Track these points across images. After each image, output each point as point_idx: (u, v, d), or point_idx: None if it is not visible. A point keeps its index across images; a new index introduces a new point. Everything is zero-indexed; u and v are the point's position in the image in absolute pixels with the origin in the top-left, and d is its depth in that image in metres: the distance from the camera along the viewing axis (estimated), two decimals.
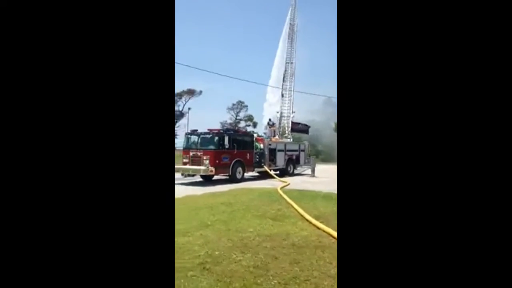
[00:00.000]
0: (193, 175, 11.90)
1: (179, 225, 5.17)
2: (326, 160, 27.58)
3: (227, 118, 43.33)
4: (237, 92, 75.42)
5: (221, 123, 43.04)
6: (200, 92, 42.10)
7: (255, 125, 40.94)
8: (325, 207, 6.63)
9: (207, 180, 11.99)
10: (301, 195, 8.41)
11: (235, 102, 43.27)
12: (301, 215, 5.75)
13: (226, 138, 11.51)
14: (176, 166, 12.26)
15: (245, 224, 5.17)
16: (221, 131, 12.30)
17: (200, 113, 53.22)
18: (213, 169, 11.07)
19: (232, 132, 12.42)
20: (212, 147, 11.39)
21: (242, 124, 42.84)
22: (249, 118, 43.09)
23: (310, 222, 5.22)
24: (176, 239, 4.29)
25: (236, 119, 42.99)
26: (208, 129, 12.19)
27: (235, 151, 11.84)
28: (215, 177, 12.14)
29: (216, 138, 11.46)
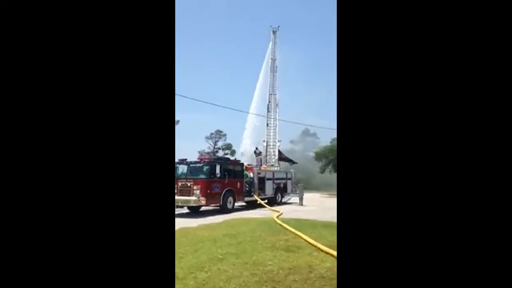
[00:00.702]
0: (182, 207, 11.40)
1: (189, 259, 4.83)
2: (305, 188, 27.82)
3: (205, 147, 42.89)
4: (215, 121, 75.49)
5: (199, 152, 42.48)
6: (178, 121, 41.61)
7: (233, 153, 40.79)
8: (331, 235, 6.49)
9: (194, 211, 11.53)
10: (300, 224, 8.23)
11: (213, 131, 43.13)
12: (314, 246, 5.58)
13: (218, 167, 11.25)
14: None
15: (259, 257, 4.91)
16: (212, 159, 12.05)
17: (176, 143, 52.20)
18: (204, 199, 10.69)
19: (223, 160, 12.18)
20: (203, 176, 11.08)
21: (220, 153, 42.48)
22: (228, 147, 42.88)
23: (327, 253, 5.06)
24: (195, 274, 3.99)
25: (214, 148, 42.61)
26: (198, 158, 11.90)
27: (226, 180, 11.57)
28: (202, 208, 11.69)
29: (207, 167, 11.20)
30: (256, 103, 21.62)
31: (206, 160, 11.66)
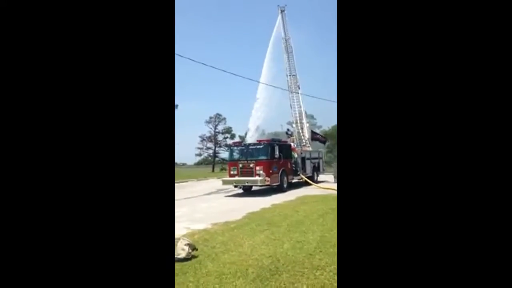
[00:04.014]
0: (250, 187, 12.00)
1: None
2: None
3: (206, 131, 42.82)
4: (213, 107, 74.64)
5: (200, 136, 42.43)
6: (176, 106, 41.09)
7: (233, 137, 41.09)
8: None
9: (246, 191, 12.14)
10: None
11: (212, 115, 42.97)
12: None
13: (277, 148, 11.66)
14: (225, 179, 12.14)
15: None
16: (270, 140, 12.40)
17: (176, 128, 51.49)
18: (268, 179, 11.12)
19: (277, 142, 12.57)
20: (263, 157, 11.46)
21: (220, 137, 42.62)
22: (228, 131, 43.03)
23: None
24: None
25: (214, 132, 42.58)
26: (258, 140, 12.24)
27: (281, 161, 12.02)
28: (253, 188, 12.33)
29: (268, 148, 11.57)
30: (265, 79, 21.56)
31: (265, 142, 11.98)
